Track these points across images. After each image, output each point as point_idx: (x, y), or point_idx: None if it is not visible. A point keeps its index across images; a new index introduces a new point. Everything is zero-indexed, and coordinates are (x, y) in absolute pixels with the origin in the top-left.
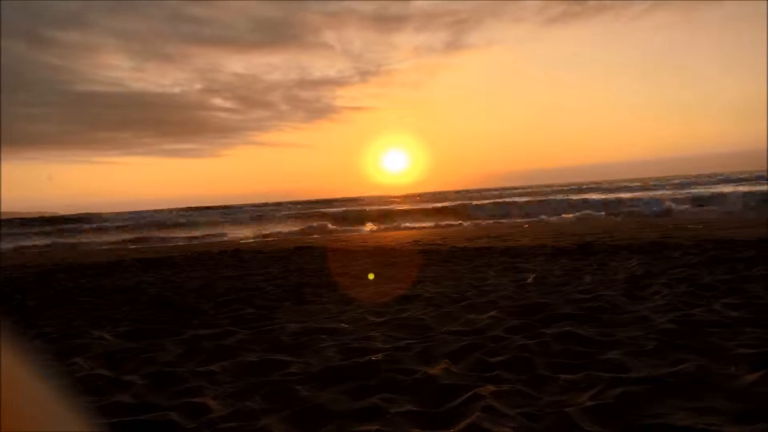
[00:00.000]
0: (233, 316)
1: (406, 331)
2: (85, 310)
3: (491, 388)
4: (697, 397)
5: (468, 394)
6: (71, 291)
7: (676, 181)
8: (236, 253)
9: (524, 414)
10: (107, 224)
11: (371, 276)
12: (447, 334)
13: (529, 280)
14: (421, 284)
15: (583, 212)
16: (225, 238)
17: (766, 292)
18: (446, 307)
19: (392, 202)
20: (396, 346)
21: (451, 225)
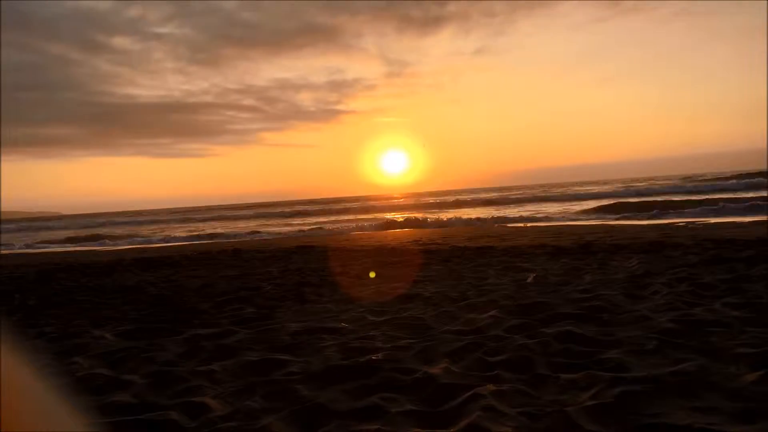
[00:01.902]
0: (233, 316)
1: (406, 331)
2: (85, 309)
3: (491, 387)
4: (697, 396)
5: (468, 394)
6: (71, 290)
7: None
8: (236, 252)
9: (524, 413)
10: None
11: (372, 275)
12: (447, 333)
13: (529, 280)
14: (421, 284)
15: None
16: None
17: (766, 292)
18: (446, 306)
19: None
20: (396, 345)
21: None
